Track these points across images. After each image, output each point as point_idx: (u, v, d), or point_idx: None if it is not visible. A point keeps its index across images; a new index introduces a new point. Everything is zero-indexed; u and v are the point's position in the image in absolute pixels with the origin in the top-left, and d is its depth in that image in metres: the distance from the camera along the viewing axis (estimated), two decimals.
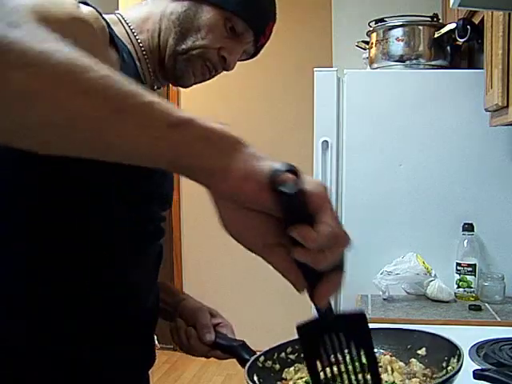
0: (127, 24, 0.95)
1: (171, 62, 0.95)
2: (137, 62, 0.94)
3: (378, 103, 2.07)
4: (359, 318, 0.59)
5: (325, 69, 2.16)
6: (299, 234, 0.52)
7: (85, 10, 0.79)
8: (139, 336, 0.95)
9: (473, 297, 1.90)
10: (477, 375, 1.01)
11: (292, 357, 0.92)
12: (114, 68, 0.56)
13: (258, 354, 0.90)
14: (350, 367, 0.59)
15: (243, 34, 0.95)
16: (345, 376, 0.60)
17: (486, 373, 0.99)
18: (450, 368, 0.85)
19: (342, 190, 2.10)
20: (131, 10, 0.99)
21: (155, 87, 1.01)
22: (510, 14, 1.39)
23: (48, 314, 0.83)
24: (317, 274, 0.54)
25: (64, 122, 0.48)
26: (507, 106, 1.43)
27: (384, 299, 1.86)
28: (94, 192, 0.84)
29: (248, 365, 0.84)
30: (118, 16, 0.97)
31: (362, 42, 2.38)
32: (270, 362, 0.90)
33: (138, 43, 0.95)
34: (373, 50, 2.21)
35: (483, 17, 1.70)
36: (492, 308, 1.79)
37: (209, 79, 0.99)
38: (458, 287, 1.92)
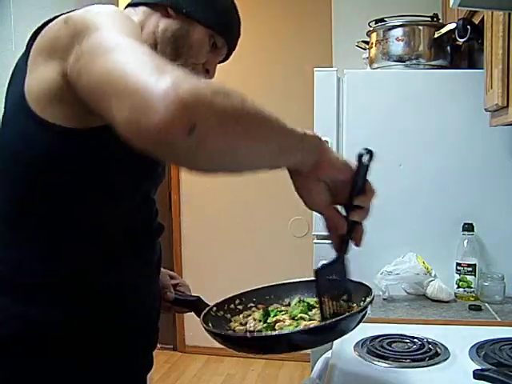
0: None
1: None
2: None
3: (378, 103, 2.07)
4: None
5: (325, 69, 2.16)
6: (363, 201, 0.99)
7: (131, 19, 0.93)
8: (141, 333, 1.04)
9: (473, 297, 1.90)
10: (477, 375, 1.01)
11: (240, 307, 1.06)
12: None
13: (211, 305, 1.04)
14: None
15: (221, 49, 1.09)
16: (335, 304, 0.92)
17: (486, 373, 0.99)
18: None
19: None
20: None
21: None
22: (510, 14, 1.39)
23: (80, 302, 0.93)
24: (356, 224, 0.94)
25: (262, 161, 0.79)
26: (507, 106, 1.43)
27: (384, 299, 1.86)
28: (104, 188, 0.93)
29: (203, 314, 0.98)
30: None
31: (362, 41, 2.38)
32: (221, 312, 1.03)
33: None
34: (373, 50, 2.21)
35: (483, 17, 1.70)
36: (492, 308, 1.79)
37: None
38: (458, 287, 1.92)
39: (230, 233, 3.95)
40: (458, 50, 2.24)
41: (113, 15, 0.83)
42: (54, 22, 0.88)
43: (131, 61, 0.68)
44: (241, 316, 1.03)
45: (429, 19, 2.20)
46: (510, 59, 1.41)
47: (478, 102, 1.77)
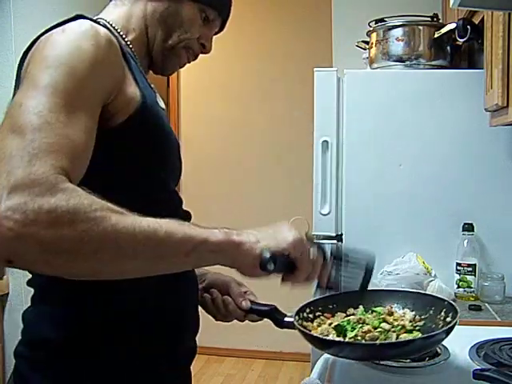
0: (114, 28, 1.01)
1: (160, 57, 1.06)
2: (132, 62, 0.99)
3: (378, 103, 2.07)
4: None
5: (325, 69, 2.16)
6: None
7: (99, 38, 0.87)
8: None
9: (473, 297, 1.90)
10: (477, 375, 1.01)
11: (311, 316, 1.08)
12: (129, 72, 0.93)
13: (290, 314, 1.08)
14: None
15: (214, 21, 1.08)
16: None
17: (486, 373, 0.99)
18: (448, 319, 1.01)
19: (342, 190, 2.10)
20: (111, 13, 1.04)
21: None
22: (510, 14, 1.39)
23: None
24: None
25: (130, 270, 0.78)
26: (507, 106, 1.43)
27: None
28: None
29: (299, 325, 1.01)
30: (103, 21, 1.00)
31: (362, 41, 2.38)
32: (300, 321, 1.05)
33: (128, 44, 1.01)
34: (373, 50, 2.21)
35: (483, 17, 1.70)
36: (492, 308, 1.79)
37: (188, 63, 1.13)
38: (458, 287, 1.92)
39: None
40: (458, 49, 2.24)
41: (71, 61, 0.81)
42: (39, 40, 0.88)
43: (12, 158, 0.69)
44: (315, 324, 1.05)
45: (429, 19, 2.20)
46: (510, 59, 1.41)
47: (478, 102, 1.77)
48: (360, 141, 2.07)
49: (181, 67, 1.11)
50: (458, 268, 1.92)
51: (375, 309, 1.07)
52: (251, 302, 1.14)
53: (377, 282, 1.87)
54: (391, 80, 2.08)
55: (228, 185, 3.94)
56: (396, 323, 1.01)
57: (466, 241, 1.93)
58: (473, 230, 1.93)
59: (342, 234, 2.10)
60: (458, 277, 1.92)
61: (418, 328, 1.02)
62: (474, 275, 1.90)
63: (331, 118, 2.10)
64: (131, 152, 0.92)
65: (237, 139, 3.94)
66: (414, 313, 1.07)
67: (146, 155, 0.94)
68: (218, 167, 3.98)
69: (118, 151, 0.91)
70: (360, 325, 1.00)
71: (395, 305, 1.10)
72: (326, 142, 2.10)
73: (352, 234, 2.07)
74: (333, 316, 1.07)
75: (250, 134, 3.93)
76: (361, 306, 1.08)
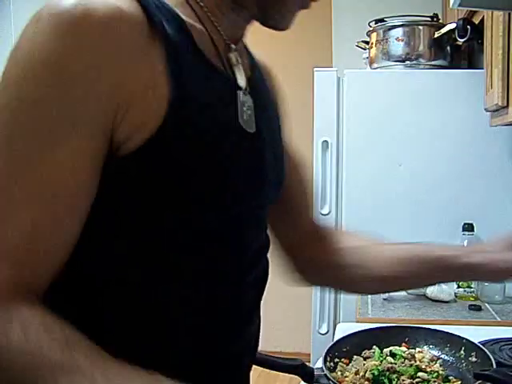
0: None
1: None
2: (192, 31, 0.66)
3: (378, 103, 2.07)
4: None
5: (325, 69, 2.16)
6: None
7: (98, 20, 0.55)
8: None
9: (473, 297, 1.89)
10: (477, 375, 1.01)
11: (331, 364, 1.03)
12: (159, 67, 0.58)
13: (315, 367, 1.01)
14: None
15: None
16: None
17: (486, 373, 0.99)
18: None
19: (342, 190, 2.10)
20: None
21: (232, 47, 0.72)
22: (510, 14, 1.39)
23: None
24: None
25: None
26: (507, 106, 1.43)
27: (384, 299, 1.86)
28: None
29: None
30: None
31: (362, 41, 2.38)
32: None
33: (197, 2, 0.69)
34: (373, 50, 2.21)
35: (483, 17, 1.70)
36: (492, 308, 1.79)
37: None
38: (458, 287, 1.91)
39: None
40: (458, 49, 2.24)
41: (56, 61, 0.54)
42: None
43: None
44: (338, 373, 1.02)
45: (429, 19, 2.20)
46: (510, 59, 1.41)
47: (478, 102, 1.77)
48: (360, 141, 2.07)
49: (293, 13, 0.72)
50: None
51: (394, 351, 1.06)
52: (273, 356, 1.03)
53: None
54: (391, 80, 2.08)
55: None
56: (429, 369, 1.01)
57: (466, 241, 1.92)
58: (473, 230, 1.93)
59: None
60: None
61: (448, 372, 1.02)
62: None
63: (331, 118, 2.10)
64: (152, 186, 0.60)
65: None
66: (431, 350, 1.07)
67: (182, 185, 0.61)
68: None
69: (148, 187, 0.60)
70: (395, 375, 0.99)
71: (406, 339, 1.10)
72: (326, 141, 2.10)
73: None
74: (350, 361, 1.05)
75: None
76: (375, 347, 1.07)
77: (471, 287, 1.90)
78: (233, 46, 0.72)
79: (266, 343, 0.99)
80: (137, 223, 0.61)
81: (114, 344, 0.55)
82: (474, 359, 1.02)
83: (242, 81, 0.71)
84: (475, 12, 1.90)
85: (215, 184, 0.64)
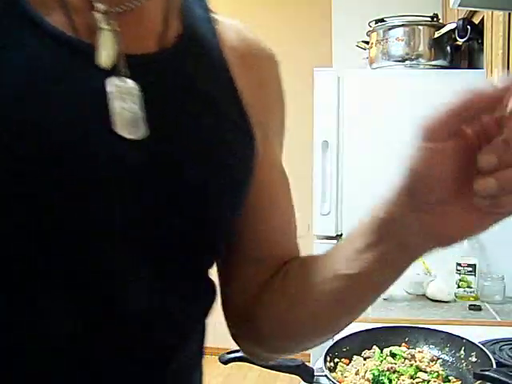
0: None
1: None
2: None
3: (378, 103, 2.07)
4: None
5: (325, 69, 2.16)
6: None
7: None
8: None
9: (473, 297, 1.89)
10: (477, 375, 1.01)
11: (331, 365, 1.05)
12: None
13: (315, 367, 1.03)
14: None
15: None
16: None
17: (486, 373, 0.99)
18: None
19: (342, 190, 2.10)
20: None
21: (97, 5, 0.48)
22: (510, 14, 1.39)
23: None
24: None
25: None
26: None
27: (384, 299, 1.86)
28: None
29: None
30: None
31: (362, 41, 2.38)
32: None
33: None
34: (373, 50, 2.21)
35: (483, 17, 1.70)
36: (492, 308, 1.79)
37: None
38: (458, 287, 1.91)
39: None
40: (458, 50, 2.24)
41: None
42: None
43: None
44: (338, 373, 1.03)
45: (429, 19, 2.20)
46: (510, 59, 1.41)
47: None
48: (360, 141, 2.07)
49: None
50: (458, 268, 1.92)
51: (394, 351, 1.07)
52: None
53: None
54: (391, 80, 2.08)
55: None
56: (429, 369, 1.02)
57: (466, 241, 1.92)
58: None
59: (341, 234, 2.10)
60: (458, 277, 1.92)
61: (448, 372, 1.03)
62: (474, 275, 1.90)
63: (331, 118, 2.10)
64: None
65: None
66: (431, 350, 1.09)
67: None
68: None
69: None
70: (395, 375, 1.00)
71: (406, 339, 1.12)
72: (326, 142, 2.10)
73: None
74: (350, 361, 1.06)
75: None
76: (375, 347, 1.09)
77: (471, 287, 1.90)
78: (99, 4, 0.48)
79: None
80: None
81: None
82: (474, 359, 1.02)
83: (107, 57, 0.47)
84: (475, 12, 1.91)
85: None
